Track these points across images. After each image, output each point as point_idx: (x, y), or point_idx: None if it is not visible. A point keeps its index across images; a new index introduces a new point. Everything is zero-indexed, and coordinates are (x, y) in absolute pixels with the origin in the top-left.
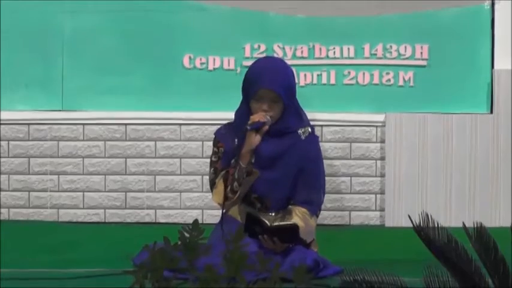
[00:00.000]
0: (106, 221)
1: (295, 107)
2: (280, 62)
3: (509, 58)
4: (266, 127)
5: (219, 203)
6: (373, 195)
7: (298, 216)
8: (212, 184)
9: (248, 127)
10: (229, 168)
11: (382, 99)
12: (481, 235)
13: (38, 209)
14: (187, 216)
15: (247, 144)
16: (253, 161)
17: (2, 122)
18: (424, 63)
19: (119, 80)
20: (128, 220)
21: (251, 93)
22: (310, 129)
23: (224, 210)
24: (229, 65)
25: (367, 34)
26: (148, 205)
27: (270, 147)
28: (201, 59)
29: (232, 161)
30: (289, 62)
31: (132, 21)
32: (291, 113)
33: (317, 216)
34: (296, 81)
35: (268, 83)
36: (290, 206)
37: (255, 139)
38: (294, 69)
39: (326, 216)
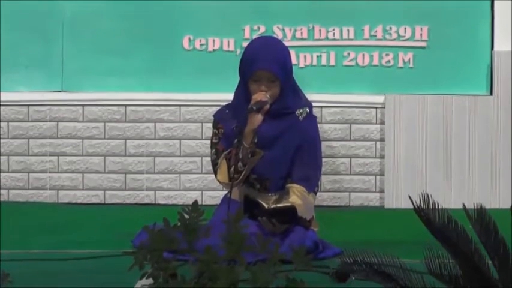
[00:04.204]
0: (105, 202)
1: (292, 86)
2: (275, 41)
3: (509, 40)
4: (267, 106)
5: (224, 182)
6: (373, 177)
7: (296, 195)
8: (214, 165)
9: (253, 107)
10: (231, 149)
11: (382, 80)
12: (481, 216)
13: (37, 190)
14: (187, 198)
15: (250, 124)
16: (256, 140)
17: (1, 103)
18: (423, 44)
19: (118, 61)
20: (128, 201)
21: (248, 74)
22: (308, 110)
23: (229, 194)
24: (228, 47)
25: (366, 15)
26: (148, 186)
27: (269, 128)
28: (200, 41)
29: (235, 141)
30: (288, 43)
31: (132, 2)
32: (288, 93)
33: (315, 193)
34: (293, 60)
35: (265, 63)
36: (288, 185)
37: (257, 118)
38: (293, 50)
39: (325, 198)
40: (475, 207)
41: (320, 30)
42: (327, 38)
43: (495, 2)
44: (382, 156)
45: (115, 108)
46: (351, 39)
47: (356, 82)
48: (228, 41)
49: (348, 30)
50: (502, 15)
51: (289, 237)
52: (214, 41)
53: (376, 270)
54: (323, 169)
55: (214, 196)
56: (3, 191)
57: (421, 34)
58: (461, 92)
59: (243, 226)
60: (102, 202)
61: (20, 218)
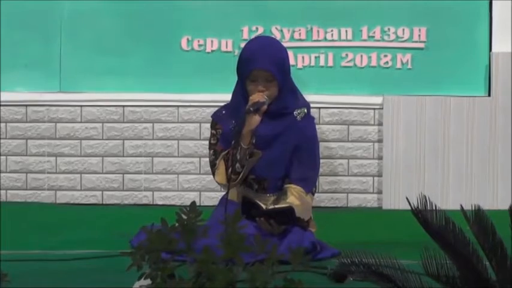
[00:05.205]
0: (103, 203)
1: (290, 86)
2: (273, 41)
3: (508, 41)
4: (265, 107)
5: (222, 183)
6: (371, 178)
7: (293, 196)
8: (213, 166)
9: (251, 108)
10: (229, 149)
11: (380, 81)
12: (479, 218)
13: (35, 190)
14: (185, 198)
15: (248, 125)
16: (254, 141)
17: (0, 103)
18: (422, 45)
19: (116, 61)
20: (125, 202)
21: (245, 73)
22: (306, 110)
23: (227, 195)
24: (227, 47)
25: (365, 16)
26: (146, 187)
27: (267, 128)
28: (199, 41)
29: (233, 142)
30: (287, 44)
31: (131, 3)
32: (286, 93)
33: (313, 194)
34: (291, 61)
35: (262, 62)
36: (285, 186)
37: (255, 119)
38: (291, 51)
39: (323, 199)
40: (473, 209)
41: (318, 31)
42: (325, 39)
43: (493, 3)
44: (380, 157)
45: (113, 108)
46: (349, 40)
47: (354, 83)
48: (226, 42)
49: (346, 31)
50: (500, 16)
51: (287, 238)
52: (212, 41)
53: (374, 271)
54: (321, 170)
55: (212, 197)
56: (2, 191)
57: (419, 35)
58: (459, 93)
59: (241, 226)
60: (100, 202)
61: (18, 218)
